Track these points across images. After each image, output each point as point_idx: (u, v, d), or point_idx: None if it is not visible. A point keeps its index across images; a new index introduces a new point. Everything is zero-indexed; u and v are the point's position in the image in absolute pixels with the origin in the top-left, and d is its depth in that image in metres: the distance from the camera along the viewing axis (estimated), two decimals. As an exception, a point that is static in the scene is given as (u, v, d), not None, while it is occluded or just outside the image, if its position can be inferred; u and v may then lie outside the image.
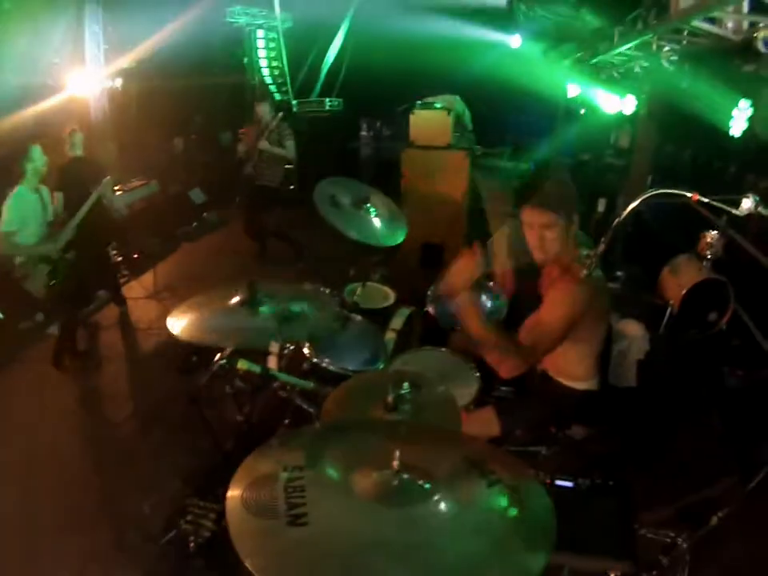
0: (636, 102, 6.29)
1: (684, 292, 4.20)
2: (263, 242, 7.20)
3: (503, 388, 3.05)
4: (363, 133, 9.38)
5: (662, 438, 3.62)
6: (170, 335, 5.36)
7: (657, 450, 3.50)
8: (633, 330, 3.71)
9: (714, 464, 3.31)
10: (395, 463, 1.43)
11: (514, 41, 8.50)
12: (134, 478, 3.73)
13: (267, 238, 7.16)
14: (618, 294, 4.66)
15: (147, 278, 6.61)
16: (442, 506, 1.41)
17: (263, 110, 6.44)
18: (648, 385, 3.67)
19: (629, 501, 2.48)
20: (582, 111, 8.05)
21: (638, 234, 5.60)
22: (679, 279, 4.36)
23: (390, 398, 2.07)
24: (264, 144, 6.32)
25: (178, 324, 2.32)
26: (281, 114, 6.44)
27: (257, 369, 2.12)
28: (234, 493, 1.43)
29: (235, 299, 2.44)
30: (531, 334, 2.57)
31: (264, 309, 2.37)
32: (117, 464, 3.92)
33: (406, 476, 1.45)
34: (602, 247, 2.32)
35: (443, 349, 3.19)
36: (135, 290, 6.46)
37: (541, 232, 2.58)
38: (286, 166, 6.75)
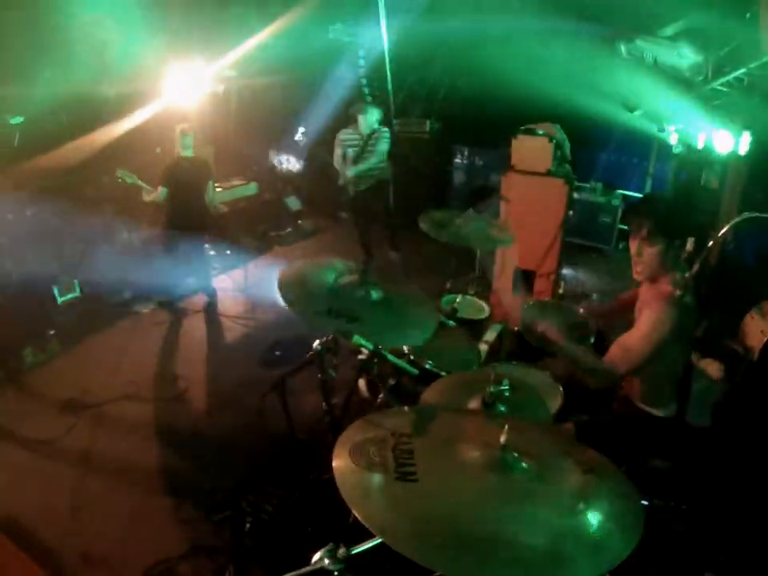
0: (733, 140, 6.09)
1: (766, 339, 4.03)
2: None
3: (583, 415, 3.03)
4: (457, 160, 9.39)
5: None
6: (255, 328, 5.59)
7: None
8: (714, 371, 3.64)
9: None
10: (503, 438, 1.46)
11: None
12: (199, 456, 3.82)
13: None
14: (698, 337, 4.53)
15: (238, 273, 6.84)
16: (538, 481, 1.47)
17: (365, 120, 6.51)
18: (723, 428, 3.55)
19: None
20: (675, 149, 7.89)
21: (722, 278, 5.41)
22: (762, 325, 4.19)
23: (488, 394, 2.08)
24: (353, 170, 6.43)
25: (285, 288, 2.34)
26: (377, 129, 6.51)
27: (369, 346, 2.15)
28: (341, 447, 1.47)
29: (345, 279, 2.48)
30: (620, 351, 2.63)
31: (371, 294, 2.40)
32: (184, 441, 4.01)
33: (509, 450, 1.49)
34: (696, 267, 2.37)
35: (531, 365, 3.17)
36: (225, 283, 6.70)
37: (640, 245, 2.65)
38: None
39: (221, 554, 2.98)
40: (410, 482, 1.33)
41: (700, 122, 6.56)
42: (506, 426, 1.45)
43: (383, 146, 6.54)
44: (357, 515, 1.23)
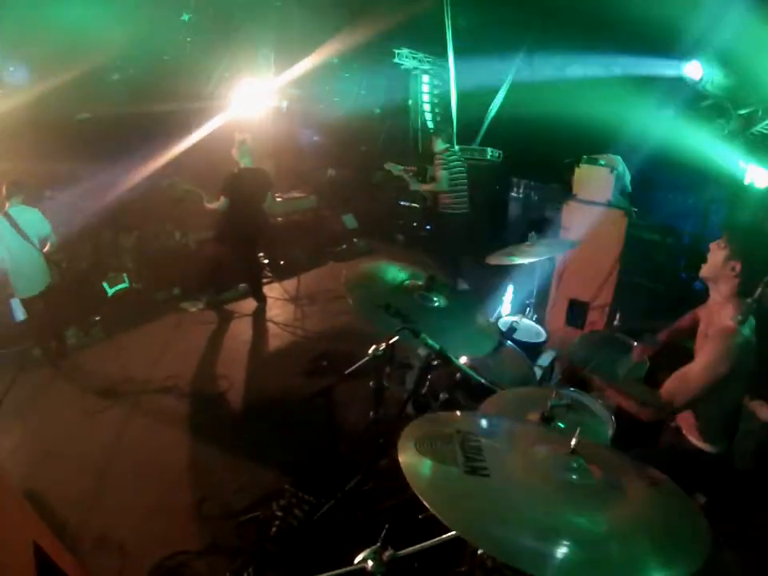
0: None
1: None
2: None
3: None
4: (513, 193, 9.27)
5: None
6: (303, 337, 5.57)
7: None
8: (764, 413, 3.50)
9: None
10: (573, 442, 1.45)
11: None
12: (231, 457, 3.76)
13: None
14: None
15: (290, 283, 6.90)
16: (603, 489, 1.46)
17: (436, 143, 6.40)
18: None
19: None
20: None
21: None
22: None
23: (549, 408, 2.03)
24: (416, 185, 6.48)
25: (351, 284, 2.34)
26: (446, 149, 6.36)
27: (436, 345, 2.12)
28: (405, 440, 1.45)
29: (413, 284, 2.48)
30: (675, 384, 2.56)
31: (436, 299, 2.39)
32: (218, 440, 3.95)
33: (578, 455, 1.47)
34: (758, 291, 2.39)
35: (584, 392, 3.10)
36: (277, 291, 6.77)
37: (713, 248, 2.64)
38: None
39: (241, 555, 2.90)
40: (481, 476, 1.31)
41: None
42: (578, 430, 1.42)
43: (443, 172, 6.27)
44: (427, 505, 1.20)
